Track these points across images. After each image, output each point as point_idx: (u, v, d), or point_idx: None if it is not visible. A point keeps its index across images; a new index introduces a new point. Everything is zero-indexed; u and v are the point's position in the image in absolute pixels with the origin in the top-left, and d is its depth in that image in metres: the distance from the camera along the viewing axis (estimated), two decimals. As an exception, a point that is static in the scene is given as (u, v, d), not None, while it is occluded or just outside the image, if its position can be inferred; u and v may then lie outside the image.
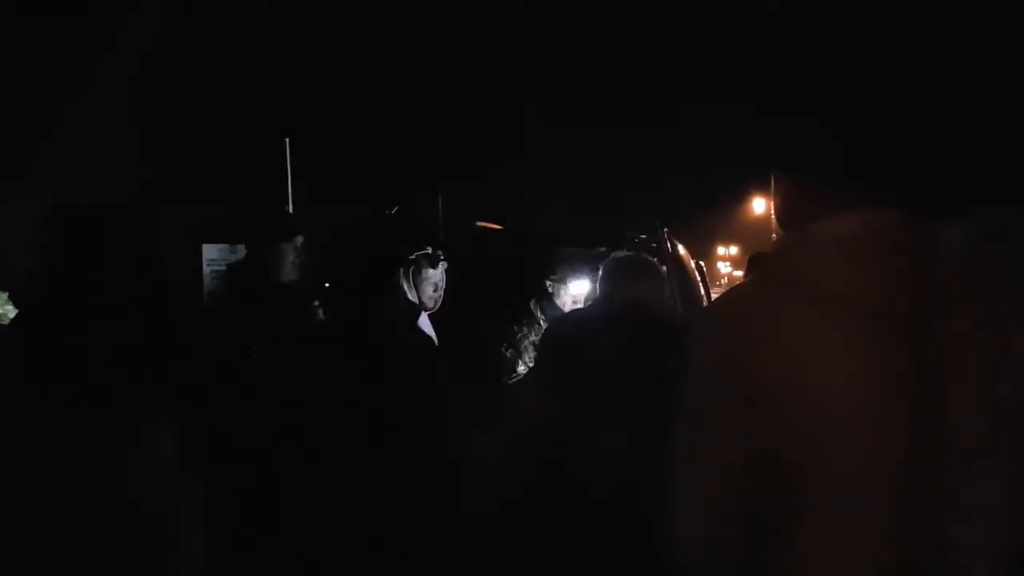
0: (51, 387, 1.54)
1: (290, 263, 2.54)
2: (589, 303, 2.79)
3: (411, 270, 2.75)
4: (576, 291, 3.58)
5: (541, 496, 2.34)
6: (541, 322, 3.40)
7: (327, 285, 2.39)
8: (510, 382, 3.27)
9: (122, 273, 1.70)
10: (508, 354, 3.32)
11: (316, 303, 2.52)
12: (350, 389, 1.88)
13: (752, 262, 5.66)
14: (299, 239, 2.57)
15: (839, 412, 1.07)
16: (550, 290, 3.55)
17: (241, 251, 2.65)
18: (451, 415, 1.92)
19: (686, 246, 4.75)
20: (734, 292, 1.32)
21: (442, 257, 2.82)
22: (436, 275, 2.84)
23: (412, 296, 2.74)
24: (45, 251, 1.68)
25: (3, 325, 2.86)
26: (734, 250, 57.45)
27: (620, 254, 2.69)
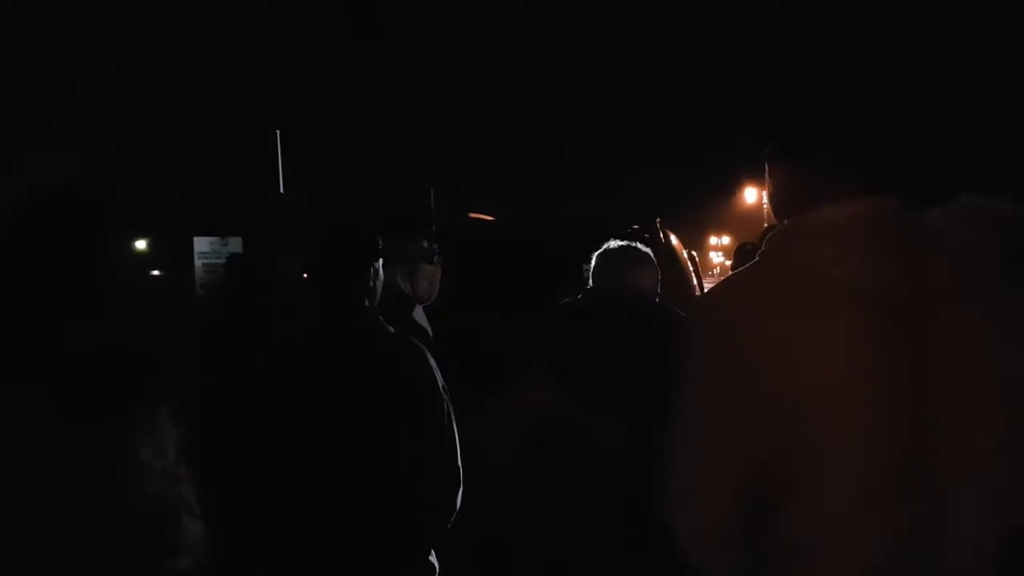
0: (44, 385, 1.53)
1: (286, 254, 2.53)
2: (581, 294, 2.77)
3: (406, 264, 2.75)
4: None
5: (540, 491, 2.34)
6: None
7: (304, 275, 2.39)
8: (509, 374, 3.25)
9: (105, 263, 1.68)
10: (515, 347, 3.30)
11: (308, 295, 2.52)
12: (347, 382, 1.88)
13: (739, 252, 5.69)
14: (296, 231, 2.56)
15: (835, 399, 1.07)
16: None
17: (232, 244, 2.64)
18: (445, 408, 1.92)
19: (678, 236, 4.75)
20: (730, 281, 1.31)
21: (436, 251, 2.82)
22: (431, 269, 2.84)
23: (406, 289, 2.74)
24: (18, 239, 1.63)
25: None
26: (726, 240, 57.62)
27: (613, 244, 2.66)
